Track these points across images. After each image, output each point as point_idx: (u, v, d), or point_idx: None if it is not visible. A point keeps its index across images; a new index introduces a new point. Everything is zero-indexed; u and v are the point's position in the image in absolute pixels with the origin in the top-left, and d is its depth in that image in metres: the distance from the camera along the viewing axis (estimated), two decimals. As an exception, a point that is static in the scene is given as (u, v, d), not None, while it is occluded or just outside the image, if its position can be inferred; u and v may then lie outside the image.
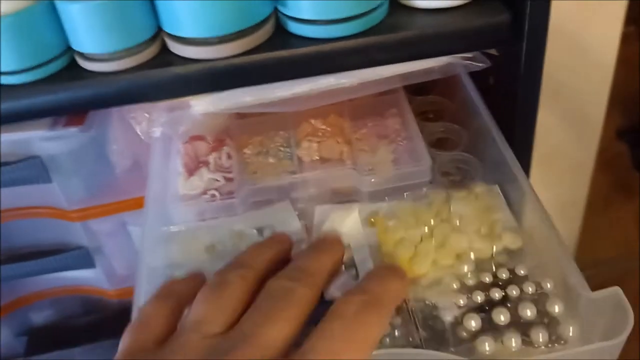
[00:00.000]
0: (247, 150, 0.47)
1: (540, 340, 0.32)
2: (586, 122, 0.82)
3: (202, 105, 0.41)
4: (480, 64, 0.42)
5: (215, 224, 0.42)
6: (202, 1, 0.35)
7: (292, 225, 0.42)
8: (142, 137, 0.44)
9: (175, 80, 0.38)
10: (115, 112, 0.48)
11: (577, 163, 0.86)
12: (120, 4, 0.35)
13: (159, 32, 0.38)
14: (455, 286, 0.36)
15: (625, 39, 0.73)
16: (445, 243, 0.38)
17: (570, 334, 0.33)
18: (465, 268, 0.37)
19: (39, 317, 0.64)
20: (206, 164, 0.45)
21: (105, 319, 0.61)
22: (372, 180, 0.43)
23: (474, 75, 0.48)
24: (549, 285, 0.35)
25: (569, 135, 0.82)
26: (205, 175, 0.44)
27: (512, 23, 0.38)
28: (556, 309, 0.34)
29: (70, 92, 0.38)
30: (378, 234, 0.40)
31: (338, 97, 0.42)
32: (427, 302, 0.35)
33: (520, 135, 0.44)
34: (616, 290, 0.32)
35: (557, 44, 0.70)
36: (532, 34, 0.38)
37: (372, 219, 0.41)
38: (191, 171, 0.45)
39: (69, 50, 0.38)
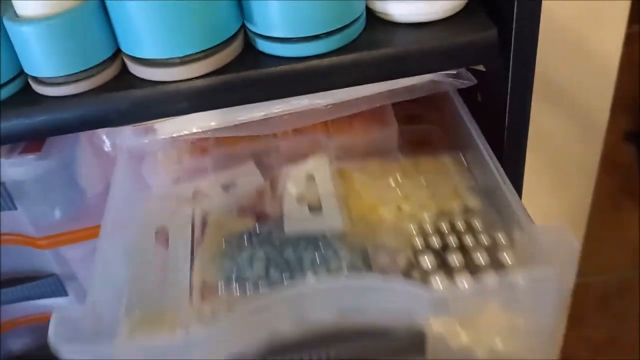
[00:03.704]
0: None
1: (490, 282, 0.33)
2: (590, 124, 0.79)
3: (166, 129, 0.38)
4: (466, 81, 0.39)
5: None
6: (162, 19, 0.33)
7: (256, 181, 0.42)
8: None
9: (136, 104, 0.35)
10: (82, 135, 0.45)
11: (583, 167, 0.84)
12: (74, 24, 0.33)
13: (117, 53, 0.36)
14: (414, 231, 0.37)
15: (630, 39, 0.70)
16: (410, 195, 0.40)
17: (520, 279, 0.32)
18: (426, 217, 0.38)
19: (16, 344, 0.62)
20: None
21: (82, 347, 0.58)
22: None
23: (461, 92, 0.45)
24: (501, 238, 0.36)
25: (573, 138, 0.80)
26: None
27: (498, 38, 0.36)
28: (507, 257, 0.35)
29: (24, 118, 0.35)
30: (345, 182, 0.40)
31: (313, 118, 0.39)
32: (385, 245, 0.37)
33: (510, 152, 0.41)
34: (561, 225, 0.33)
35: (558, 45, 0.68)
36: (520, 49, 0.35)
37: (341, 169, 0.41)
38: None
39: (22, 74, 0.35)
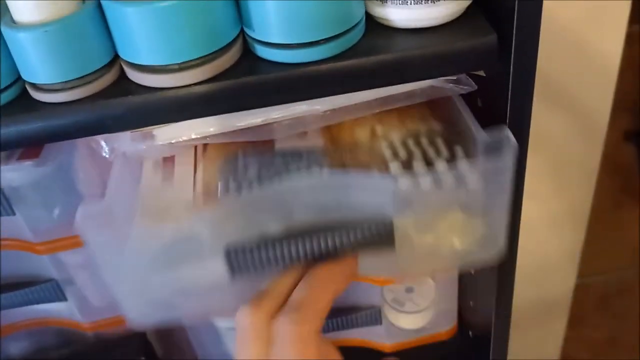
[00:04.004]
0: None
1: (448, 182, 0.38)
2: (591, 125, 0.79)
3: (164, 135, 0.38)
4: (466, 87, 0.39)
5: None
6: (160, 26, 0.32)
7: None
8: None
9: (134, 110, 0.35)
10: (80, 140, 0.45)
11: (583, 167, 0.84)
12: (72, 31, 0.33)
13: (115, 59, 0.35)
14: (385, 148, 0.41)
15: (630, 39, 0.70)
16: (383, 119, 0.44)
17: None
18: (396, 136, 0.43)
19: (14, 348, 0.61)
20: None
21: (81, 351, 0.58)
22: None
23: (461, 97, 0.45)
24: (460, 151, 0.40)
25: (573, 138, 0.80)
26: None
27: (498, 43, 0.35)
28: (464, 164, 0.38)
29: (22, 125, 0.35)
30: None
31: (311, 124, 0.39)
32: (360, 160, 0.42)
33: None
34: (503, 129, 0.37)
35: (558, 45, 0.68)
36: (520, 54, 0.35)
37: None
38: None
39: (19, 80, 0.35)
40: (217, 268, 0.38)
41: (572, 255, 0.97)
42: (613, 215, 1.11)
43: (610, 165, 0.90)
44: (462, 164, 0.38)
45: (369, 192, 0.37)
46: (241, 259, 0.38)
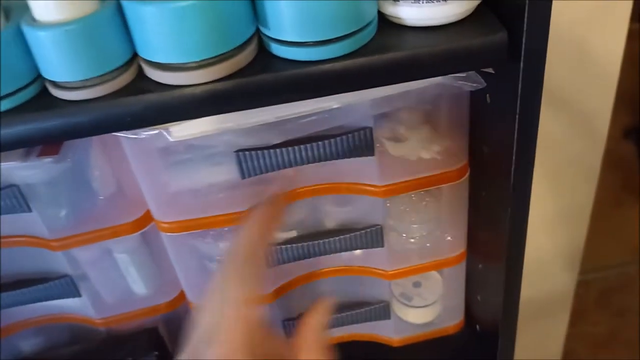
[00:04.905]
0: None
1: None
2: (592, 123, 0.80)
3: (182, 131, 0.39)
4: (475, 84, 0.40)
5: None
6: (178, 25, 0.33)
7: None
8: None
9: (152, 108, 0.36)
10: (95, 138, 0.45)
11: (585, 166, 0.85)
12: (92, 30, 0.33)
13: (134, 57, 0.36)
14: None
15: (630, 36, 0.70)
16: None
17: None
18: None
19: (26, 345, 0.62)
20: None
21: (93, 347, 0.59)
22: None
23: (470, 94, 0.45)
24: None
25: (575, 137, 0.80)
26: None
27: (508, 41, 0.36)
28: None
29: (41, 122, 0.35)
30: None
31: (325, 122, 0.40)
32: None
33: (521, 153, 0.41)
34: None
35: (560, 45, 0.68)
36: (530, 52, 0.36)
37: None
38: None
39: (39, 78, 0.36)
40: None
41: (575, 252, 0.98)
42: (613, 212, 1.12)
43: (610, 162, 0.91)
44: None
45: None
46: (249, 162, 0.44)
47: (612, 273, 1.18)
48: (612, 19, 0.68)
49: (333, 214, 0.53)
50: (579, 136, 0.81)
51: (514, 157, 0.39)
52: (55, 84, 0.35)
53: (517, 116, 0.38)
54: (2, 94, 0.35)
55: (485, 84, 0.40)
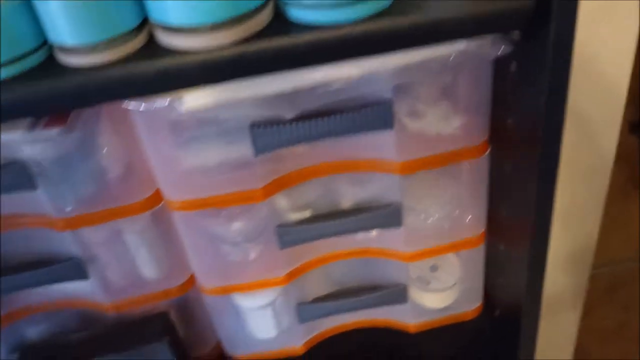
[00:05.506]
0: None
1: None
2: (603, 119, 0.79)
3: (195, 101, 0.37)
4: (500, 51, 0.38)
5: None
6: (191, -16, 0.31)
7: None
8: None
9: (163, 74, 0.34)
10: (104, 111, 0.44)
11: (595, 162, 0.83)
12: (100, -10, 0.32)
13: (145, 21, 0.34)
14: None
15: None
16: None
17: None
18: None
19: (33, 332, 0.60)
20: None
21: (103, 333, 0.57)
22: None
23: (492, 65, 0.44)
24: None
25: (585, 133, 0.79)
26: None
27: (536, 5, 0.34)
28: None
29: (48, 89, 0.34)
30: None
31: (342, 93, 0.38)
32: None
33: (550, 124, 0.39)
34: None
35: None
36: (562, 13, 0.34)
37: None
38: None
39: (45, 43, 0.34)
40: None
41: (587, 246, 0.97)
42: (619, 207, 1.10)
43: (616, 157, 0.90)
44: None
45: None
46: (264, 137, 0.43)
47: (618, 268, 1.16)
48: (623, 10, 0.66)
49: (349, 193, 0.51)
50: (591, 130, 0.80)
51: (544, 125, 0.37)
52: (63, 49, 0.34)
53: (547, 84, 0.36)
54: (7, 60, 0.33)
55: (510, 50, 0.38)
